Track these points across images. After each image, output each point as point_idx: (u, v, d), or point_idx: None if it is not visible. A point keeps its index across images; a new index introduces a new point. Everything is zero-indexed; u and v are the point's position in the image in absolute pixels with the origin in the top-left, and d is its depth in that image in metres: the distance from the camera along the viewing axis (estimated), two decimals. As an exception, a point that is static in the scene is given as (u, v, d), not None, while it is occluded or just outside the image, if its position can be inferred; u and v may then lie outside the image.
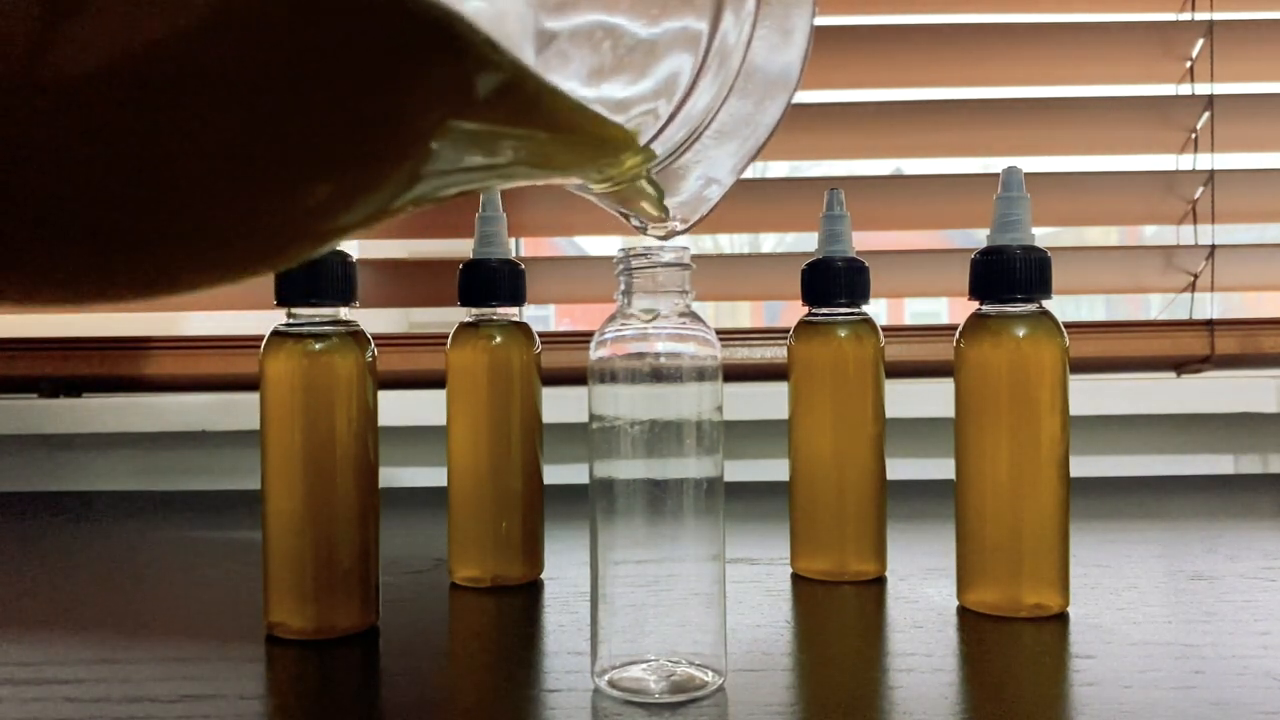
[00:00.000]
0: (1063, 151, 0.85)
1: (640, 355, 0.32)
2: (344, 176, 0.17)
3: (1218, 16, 0.81)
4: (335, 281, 0.38)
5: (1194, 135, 0.83)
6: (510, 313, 0.47)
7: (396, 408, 0.74)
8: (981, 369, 0.40)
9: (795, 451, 0.47)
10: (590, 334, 0.33)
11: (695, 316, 0.32)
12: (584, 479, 0.34)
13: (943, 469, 0.47)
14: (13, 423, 0.79)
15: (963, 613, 0.41)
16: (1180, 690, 0.31)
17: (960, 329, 0.41)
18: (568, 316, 2.26)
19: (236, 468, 0.81)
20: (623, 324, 0.32)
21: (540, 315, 1.87)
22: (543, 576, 0.47)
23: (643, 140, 0.25)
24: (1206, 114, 0.82)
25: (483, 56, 0.16)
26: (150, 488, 0.82)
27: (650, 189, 0.26)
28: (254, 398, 0.39)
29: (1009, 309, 0.40)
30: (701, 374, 0.32)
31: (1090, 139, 0.83)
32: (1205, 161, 0.82)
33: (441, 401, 0.47)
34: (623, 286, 0.32)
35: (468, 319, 0.47)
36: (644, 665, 0.32)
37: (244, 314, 0.83)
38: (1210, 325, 0.81)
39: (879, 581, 0.46)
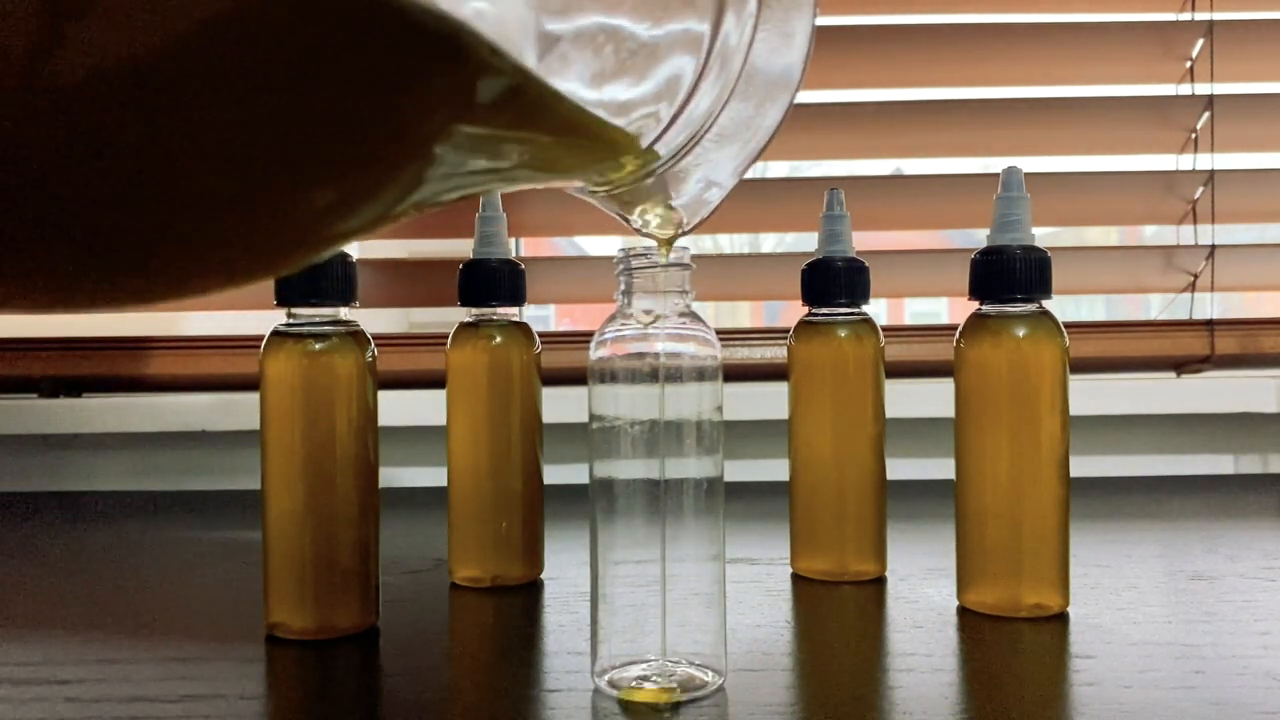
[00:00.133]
0: (1063, 151, 0.85)
1: (640, 355, 0.32)
2: (345, 180, 0.17)
3: (1218, 16, 0.81)
4: (335, 281, 0.38)
5: (1194, 135, 0.83)
6: (510, 313, 0.47)
7: (396, 408, 0.74)
8: (981, 369, 0.40)
9: (795, 452, 0.47)
10: (590, 334, 0.33)
11: (695, 316, 0.32)
12: (584, 479, 0.34)
13: (943, 469, 0.47)
14: (13, 423, 0.79)
15: (963, 613, 0.41)
16: (1180, 690, 0.32)
17: (960, 329, 0.41)
18: (568, 316, 2.27)
19: (236, 468, 0.81)
20: (623, 324, 0.32)
21: (540, 315, 1.87)
22: (543, 576, 0.47)
23: (644, 143, 0.25)
24: (1206, 114, 0.82)
25: (485, 60, 0.16)
26: (150, 488, 0.82)
27: (656, 191, 0.26)
28: (254, 398, 0.39)
29: (1009, 309, 0.40)
30: (701, 374, 0.32)
31: (1090, 139, 0.83)
32: (1205, 161, 0.82)
33: (441, 401, 0.47)
34: (623, 287, 0.32)
35: (468, 319, 0.47)
36: (644, 665, 0.32)
37: (244, 314, 0.83)
38: (1210, 325, 0.81)
39: (879, 581, 0.46)
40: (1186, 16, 0.82)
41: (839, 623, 0.41)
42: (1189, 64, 0.82)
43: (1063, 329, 0.40)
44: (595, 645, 0.33)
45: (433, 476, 0.80)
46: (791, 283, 0.48)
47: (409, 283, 0.84)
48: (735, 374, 0.77)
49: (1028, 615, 0.40)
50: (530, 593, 0.45)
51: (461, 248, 0.59)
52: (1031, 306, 0.40)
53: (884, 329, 0.48)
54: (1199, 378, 0.82)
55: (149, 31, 0.13)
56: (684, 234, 0.30)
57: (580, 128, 0.20)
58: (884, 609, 0.42)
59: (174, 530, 0.64)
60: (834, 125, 0.83)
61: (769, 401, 0.73)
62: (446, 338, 0.47)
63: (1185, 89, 0.83)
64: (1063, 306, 0.41)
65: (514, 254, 0.49)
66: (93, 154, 0.15)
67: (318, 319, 0.38)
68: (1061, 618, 0.40)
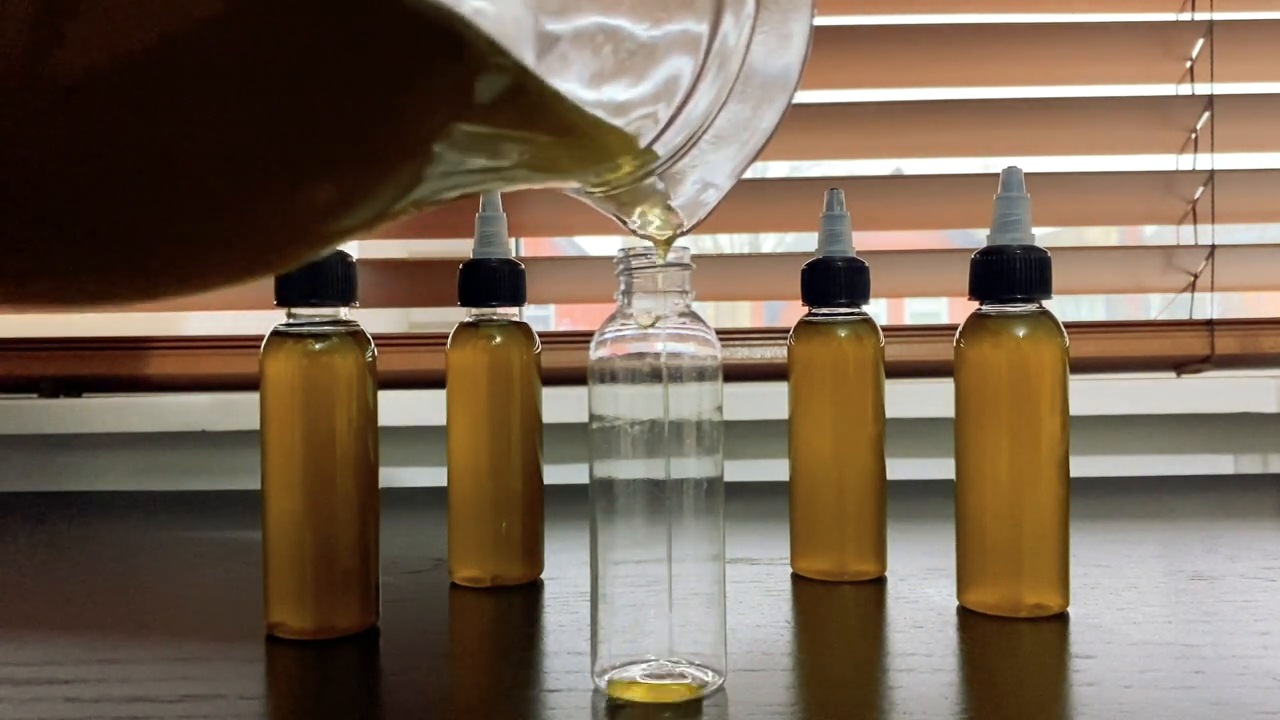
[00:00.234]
0: (1063, 151, 0.85)
1: (640, 355, 0.32)
2: (345, 178, 0.17)
3: (1218, 16, 0.81)
4: (335, 281, 0.38)
5: (1194, 135, 0.83)
6: (510, 313, 0.47)
7: (396, 408, 0.74)
8: (981, 369, 0.40)
9: (795, 451, 0.47)
10: (590, 334, 0.33)
11: (695, 316, 0.32)
12: (584, 479, 0.34)
13: (943, 469, 0.47)
14: (13, 423, 0.79)
15: (963, 613, 0.41)
16: (1180, 690, 0.32)
17: (960, 329, 0.41)
18: (568, 316, 2.26)
19: (236, 468, 0.81)
20: (623, 324, 0.32)
21: (540, 315, 1.87)
22: (543, 576, 0.47)
23: (642, 144, 0.25)
24: (1206, 114, 0.82)
25: (485, 58, 0.16)
26: (150, 488, 0.82)
27: (653, 192, 0.26)
28: (254, 398, 0.39)
29: (1009, 309, 0.40)
30: (701, 374, 0.32)
31: (1090, 139, 0.83)
32: (1205, 161, 0.82)
33: (441, 401, 0.47)
34: (623, 287, 0.32)
35: (468, 319, 0.47)
36: (644, 665, 0.32)
37: (244, 314, 0.83)
38: (1210, 325, 0.81)
39: (879, 581, 0.46)
40: (1186, 16, 0.82)
41: (839, 623, 0.41)
42: (1189, 64, 0.82)
43: (1063, 329, 0.40)
44: (595, 645, 0.33)
45: (433, 476, 0.80)
46: (791, 283, 0.48)
47: (409, 283, 0.84)
48: (735, 374, 0.77)
49: (1028, 615, 0.40)
50: (530, 593, 0.45)
51: (461, 248, 0.59)
52: (1031, 306, 0.40)
53: (884, 329, 0.48)
54: (1199, 378, 0.82)
55: (148, 30, 0.13)
56: (681, 235, 0.30)
57: (579, 127, 0.20)
58: (884, 609, 0.42)
59: (174, 530, 0.64)
60: (834, 125, 0.83)
61: (769, 401, 0.73)
62: (446, 338, 0.47)
63: (1185, 89, 0.83)
64: (1063, 306, 0.41)
65: (514, 254, 0.49)
66: (92, 153, 0.15)
67: (318, 319, 0.38)
68: (1061, 618, 0.40)
